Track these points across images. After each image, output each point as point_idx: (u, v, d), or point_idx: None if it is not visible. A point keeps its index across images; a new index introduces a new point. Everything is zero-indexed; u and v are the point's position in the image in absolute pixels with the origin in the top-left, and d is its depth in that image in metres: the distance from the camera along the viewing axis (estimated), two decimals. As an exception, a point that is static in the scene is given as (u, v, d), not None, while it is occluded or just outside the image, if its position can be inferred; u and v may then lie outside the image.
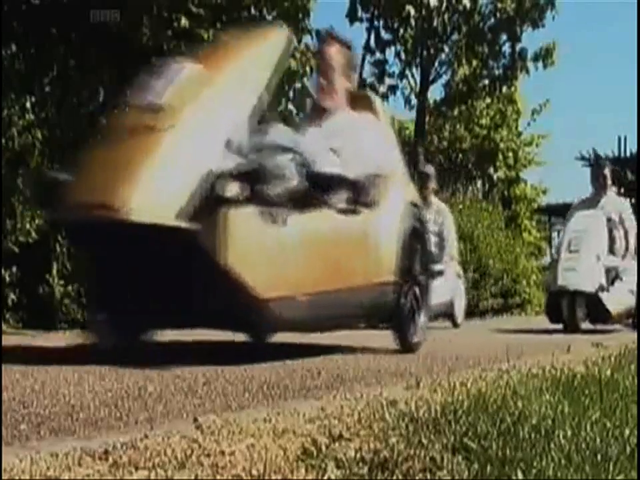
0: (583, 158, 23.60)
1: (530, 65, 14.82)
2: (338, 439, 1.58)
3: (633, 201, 15.05)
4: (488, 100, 16.92)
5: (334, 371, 2.89)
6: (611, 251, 7.87)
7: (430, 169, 8.89)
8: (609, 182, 8.28)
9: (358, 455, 1.45)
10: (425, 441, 1.55)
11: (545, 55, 14.76)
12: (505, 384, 2.36)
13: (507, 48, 15.03)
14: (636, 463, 1.45)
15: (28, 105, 6.80)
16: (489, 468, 1.40)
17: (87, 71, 6.89)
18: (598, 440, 1.59)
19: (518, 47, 14.85)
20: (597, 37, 44.99)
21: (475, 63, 15.26)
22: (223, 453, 1.43)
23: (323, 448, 1.49)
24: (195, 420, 1.70)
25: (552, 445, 1.54)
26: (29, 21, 6.79)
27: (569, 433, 1.64)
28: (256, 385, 2.45)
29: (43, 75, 7.00)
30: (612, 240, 7.91)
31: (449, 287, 8.10)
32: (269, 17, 8.07)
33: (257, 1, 7.85)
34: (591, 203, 8.24)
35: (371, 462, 1.41)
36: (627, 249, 8.00)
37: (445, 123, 17.69)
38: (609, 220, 7.91)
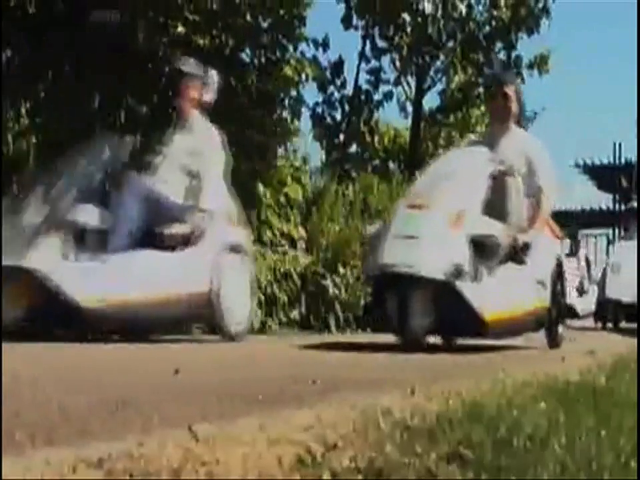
0: (577, 165, 23.61)
1: (525, 72, 14.90)
2: (333, 447, 1.57)
3: (632, 204, 15.09)
4: (483, 107, 16.95)
5: (328, 379, 2.89)
6: (498, 215, 4.60)
7: (190, 67, 5.27)
8: (514, 109, 5.09)
9: (353, 464, 1.45)
10: (419, 450, 1.55)
11: (539, 62, 14.83)
12: (500, 393, 2.36)
13: (502, 55, 15.10)
14: (630, 471, 1.45)
15: (23, 110, 6.80)
16: (483, 476, 1.40)
17: (83, 76, 6.91)
18: (592, 448, 1.59)
19: (513, 54, 14.94)
20: (595, 40, 45.10)
21: (470, 70, 15.32)
22: (217, 461, 1.43)
23: (318, 457, 1.48)
24: (190, 428, 1.70)
25: (546, 454, 1.54)
26: (23, 25, 6.80)
27: (564, 440, 1.64)
28: (251, 393, 2.44)
29: (38, 79, 7.01)
30: (498, 194, 4.67)
31: (204, 266, 4.78)
32: (264, 24, 8.10)
33: (252, 8, 7.86)
34: (484, 141, 5.17)
35: (366, 471, 1.41)
36: (536, 217, 4.89)
37: (440, 130, 17.69)
38: (507, 169, 4.79)
